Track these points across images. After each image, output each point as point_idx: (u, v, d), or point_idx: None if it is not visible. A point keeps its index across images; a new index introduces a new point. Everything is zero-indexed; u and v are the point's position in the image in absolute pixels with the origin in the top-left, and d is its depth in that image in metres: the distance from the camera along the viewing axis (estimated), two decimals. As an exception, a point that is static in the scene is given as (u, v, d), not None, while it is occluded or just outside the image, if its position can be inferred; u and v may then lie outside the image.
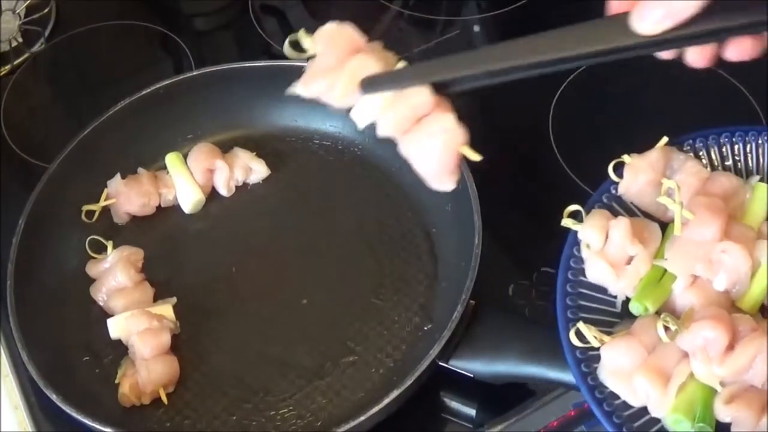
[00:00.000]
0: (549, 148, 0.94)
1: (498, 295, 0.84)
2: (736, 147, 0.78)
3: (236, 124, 0.94)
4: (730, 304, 0.70)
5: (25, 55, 1.08)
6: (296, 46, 0.69)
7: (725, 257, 0.69)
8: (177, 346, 0.80)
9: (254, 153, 0.91)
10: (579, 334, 0.69)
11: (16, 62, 1.07)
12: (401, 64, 0.67)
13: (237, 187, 0.91)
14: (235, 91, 0.93)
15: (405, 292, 0.83)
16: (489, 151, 0.95)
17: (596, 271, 0.73)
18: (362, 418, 0.70)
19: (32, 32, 1.09)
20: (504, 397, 0.77)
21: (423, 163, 0.65)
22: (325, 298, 0.83)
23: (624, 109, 0.98)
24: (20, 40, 1.08)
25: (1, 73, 1.07)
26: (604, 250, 0.73)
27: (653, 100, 0.99)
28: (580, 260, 0.74)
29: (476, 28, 1.10)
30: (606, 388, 0.68)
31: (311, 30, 1.12)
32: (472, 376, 0.74)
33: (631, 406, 0.67)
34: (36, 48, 1.09)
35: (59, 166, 0.86)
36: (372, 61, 0.65)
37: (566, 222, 0.74)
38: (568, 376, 0.70)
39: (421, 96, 0.63)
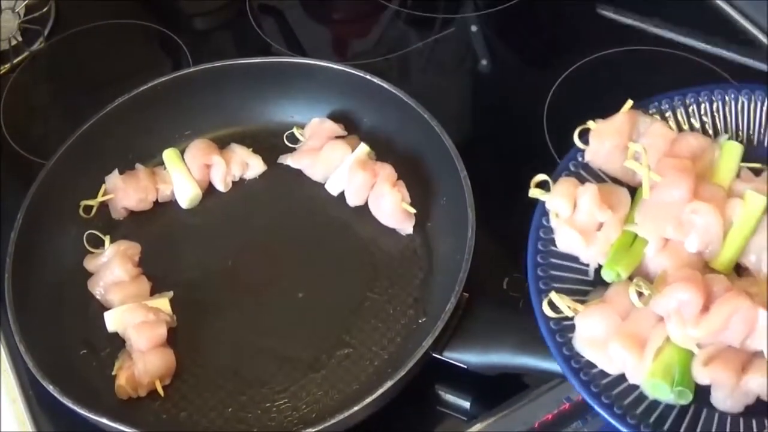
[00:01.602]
0: (543, 143, 0.94)
1: (492, 289, 0.84)
2: (702, 107, 0.77)
3: (233, 121, 0.95)
4: (703, 266, 0.69)
5: (25, 54, 1.09)
6: (292, 137, 0.93)
7: (696, 218, 0.68)
8: (173, 339, 0.80)
9: (251, 149, 0.92)
10: (552, 305, 0.69)
11: (15, 61, 1.08)
12: (363, 146, 0.87)
13: (233, 183, 0.92)
14: (231, 87, 0.94)
15: (400, 285, 0.83)
16: (484, 147, 0.97)
17: (566, 239, 0.72)
18: (355, 408, 0.71)
19: (32, 31, 1.10)
20: (498, 389, 0.78)
21: (382, 217, 0.86)
22: (321, 291, 0.84)
23: (617, 105, 0.99)
24: (20, 38, 1.09)
25: (1, 72, 1.07)
26: (573, 218, 0.72)
27: (646, 95, 0.99)
28: (550, 230, 0.73)
29: (473, 27, 1.10)
30: (582, 357, 0.67)
31: (309, 29, 1.14)
32: (465, 367, 0.74)
33: (608, 375, 0.67)
34: (35, 47, 1.10)
35: (57, 162, 0.87)
36: (340, 145, 0.88)
37: (534, 192, 0.74)
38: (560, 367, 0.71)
39: (358, 176, 0.85)
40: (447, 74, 1.08)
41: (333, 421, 0.70)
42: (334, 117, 0.92)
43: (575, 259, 0.73)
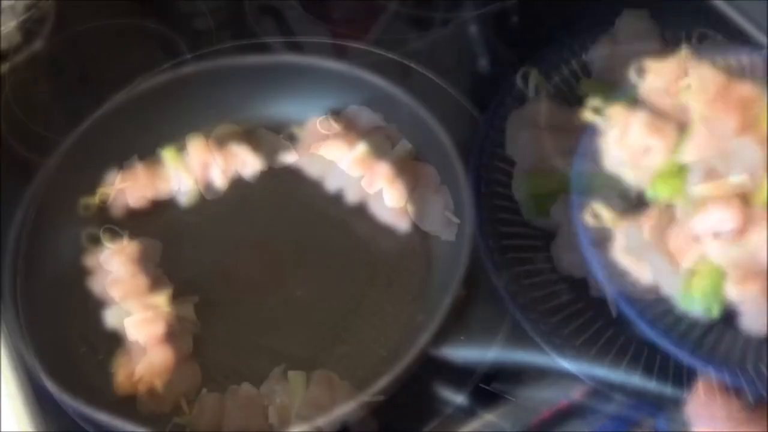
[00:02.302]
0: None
1: (490, 287, 0.84)
2: (753, 64, 0.79)
3: (232, 119, 0.95)
4: (743, 199, 0.71)
5: (25, 54, 1.09)
6: (291, 136, 0.94)
7: (741, 151, 0.71)
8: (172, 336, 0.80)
9: (250, 147, 0.92)
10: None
11: (15, 61, 1.08)
12: (362, 144, 0.87)
13: (232, 181, 0.92)
14: (230, 86, 0.94)
15: (398, 283, 0.84)
16: (482, 145, 0.97)
17: (614, 160, 0.74)
18: (352, 405, 0.71)
19: (32, 31, 1.10)
20: (496, 386, 0.78)
21: (381, 215, 0.87)
22: (319, 289, 0.84)
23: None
24: (20, 38, 1.09)
25: (1, 72, 1.08)
26: (622, 140, 0.74)
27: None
28: (597, 152, 0.76)
29: (473, 26, 1.11)
30: (617, 266, 0.70)
31: (308, 29, 1.13)
32: (463, 364, 0.75)
33: (641, 284, 0.70)
34: (35, 46, 1.10)
35: (57, 161, 0.87)
36: (338, 143, 0.89)
37: (586, 114, 0.76)
38: (558, 363, 0.71)
39: (357, 175, 0.86)
40: (446, 73, 1.08)
41: (330, 417, 0.71)
42: (333, 116, 0.93)
43: (619, 181, 0.75)
